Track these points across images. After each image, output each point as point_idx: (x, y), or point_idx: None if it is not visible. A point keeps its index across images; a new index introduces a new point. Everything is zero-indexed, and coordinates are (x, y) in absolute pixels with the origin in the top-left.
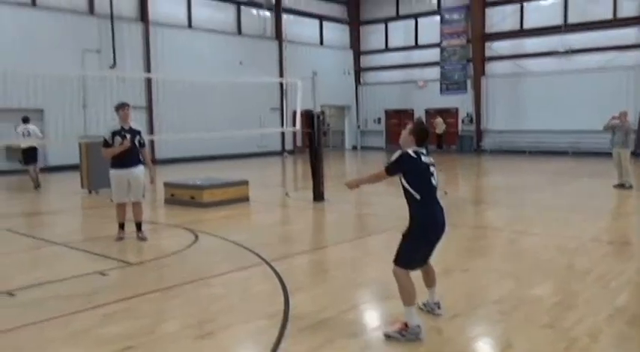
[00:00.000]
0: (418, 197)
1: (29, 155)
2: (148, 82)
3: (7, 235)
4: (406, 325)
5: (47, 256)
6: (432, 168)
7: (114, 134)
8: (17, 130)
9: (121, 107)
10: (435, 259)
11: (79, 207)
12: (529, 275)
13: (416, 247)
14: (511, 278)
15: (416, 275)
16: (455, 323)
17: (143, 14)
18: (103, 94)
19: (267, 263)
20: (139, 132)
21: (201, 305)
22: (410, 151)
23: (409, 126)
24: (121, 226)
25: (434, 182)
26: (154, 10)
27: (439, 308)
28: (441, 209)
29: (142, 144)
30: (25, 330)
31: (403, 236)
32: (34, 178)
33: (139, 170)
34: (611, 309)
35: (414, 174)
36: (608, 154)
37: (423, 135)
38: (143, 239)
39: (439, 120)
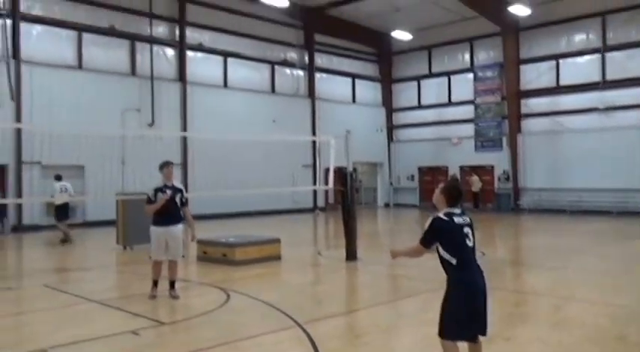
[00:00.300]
0: (454, 262)
1: (63, 211)
2: (184, 139)
3: (44, 291)
4: None
5: (82, 313)
6: (466, 229)
7: (156, 191)
8: (56, 187)
9: (165, 165)
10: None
11: (114, 263)
12: (577, 345)
13: (457, 316)
14: (558, 349)
15: (462, 346)
16: None
17: (181, 75)
18: (141, 151)
19: (300, 325)
20: (180, 191)
21: None
22: (441, 215)
23: (441, 184)
24: (155, 283)
25: (469, 243)
26: (192, 70)
27: None
28: (480, 272)
29: (183, 203)
30: None
31: (442, 305)
32: (66, 233)
33: (178, 229)
34: None
35: (447, 239)
36: None
37: (454, 193)
38: (175, 297)
39: (475, 178)
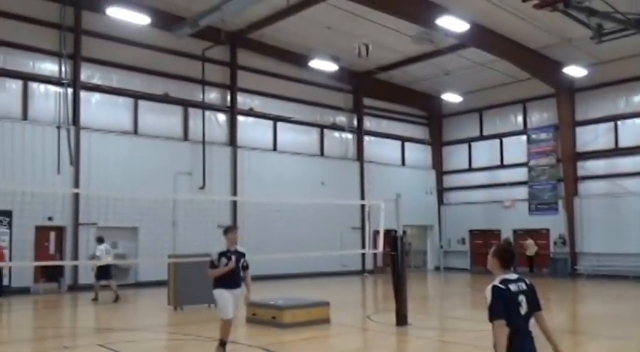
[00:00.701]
0: (506, 332)
1: (107, 271)
2: (234, 201)
3: (98, 351)
4: None
5: None
6: (520, 298)
7: (220, 256)
8: (101, 248)
9: (230, 230)
10: None
11: (166, 323)
12: None
13: None
14: None
15: None
16: None
17: (232, 139)
18: (192, 213)
19: None
20: (243, 255)
21: None
22: (497, 283)
23: (492, 248)
24: (223, 344)
25: (522, 311)
26: (242, 134)
27: None
28: (532, 340)
29: (245, 267)
30: None
31: None
32: (114, 290)
33: (240, 291)
34: None
35: (504, 305)
36: None
37: (506, 256)
38: None
39: (530, 241)
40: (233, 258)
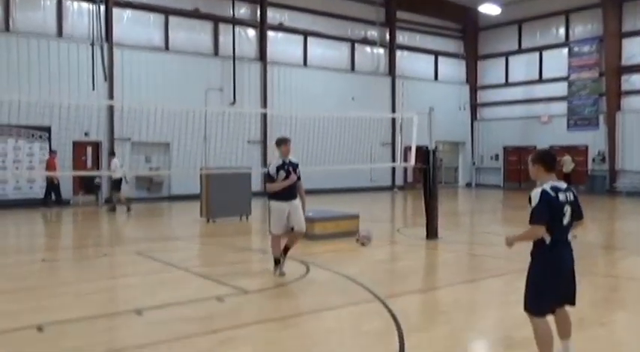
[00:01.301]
0: (548, 240)
1: (118, 184)
2: (264, 117)
3: (136, 258)
4: None
5: (171, 280)
6: (566, 208)
7: (278, 169)
8: (116, 162)
9: (283, 142)
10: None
11: (199, 234)
12: None
13: (542, 291)
14: None
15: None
16: None
17: (262, 54)
18: (223, 128)
19: (380, 300)
20: (297, 165)
21: (315, 339)
22: (548, 188)
23: (530, 156)
24: (277, 262)
25: (565, 222)
26: (272, 50)
27: None
28: (571, 252)
29: (298, 178)
30: (152, 348)
31: (528, 280)
32: (122, 201)
33: (298, 202)
34: None
35: (549, 215)
36: None
37: (547, 158)
38: (282, 274)
39: (567, 158)
40: (291, 169)
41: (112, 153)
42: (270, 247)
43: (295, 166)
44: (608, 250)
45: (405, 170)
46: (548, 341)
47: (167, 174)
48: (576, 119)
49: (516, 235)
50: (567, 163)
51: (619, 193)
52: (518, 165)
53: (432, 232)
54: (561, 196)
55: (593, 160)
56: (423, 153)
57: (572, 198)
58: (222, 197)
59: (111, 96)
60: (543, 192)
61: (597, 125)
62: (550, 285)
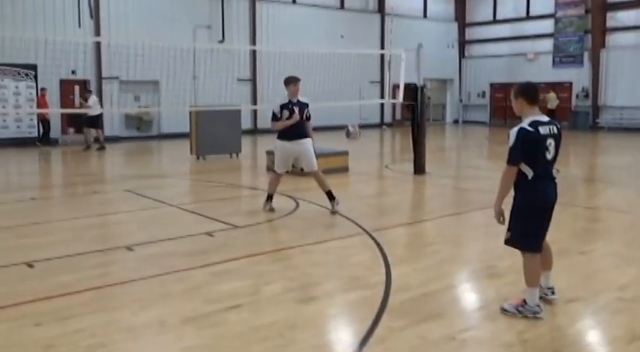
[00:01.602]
0: (530, 174)
1: (96, 121)
2: (253, 56)
3: (126, 195)
4: (524, 301)
5: (161, 216)
6: (549, 141)
7: (282, 108)
8: (95, 99)
9: (292, 81)
10: (549, 237)
11: (189, 171)
12: None
13: (531, 227)
14: (637, 264)
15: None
16: (571, 309)
17: None
18: (212, 66)
19: (368, 233)
20: (306, 105)
21: (303, 271)
22: (526, 125)
23: (512, 90)
24: (270, 198)
25: (548, 156)
26: None
27: (553, 293)
28: (554, 185)
29: (308, 118)
30: (144, 283)
31: (511, 215)
32: (88, 140)
33: (307, 141)
34: None
35: (529, 151)
36: None
37: (530, 91)
38: (337, 211)
39: (552, 94)
40: (296, 109)
41: (89, 90)
42: (268, 183)
43: (303, 106)
44: (589, 183)
45: (394, 107)
46: (537, 274)
47: (157, 113)
48: (562, 56)
49: (496, 199)
50: (552, 100)
51: (601, 129)
52: (505, 102)
53: (419, 168)
54: (543, 130)
55: (577, 97)
56: (411, 90)
57: (555, 131)
58: (211, 134)
59: (97, 33)
60: (520, 130)
61: (582, 62)
62: (537, 220)
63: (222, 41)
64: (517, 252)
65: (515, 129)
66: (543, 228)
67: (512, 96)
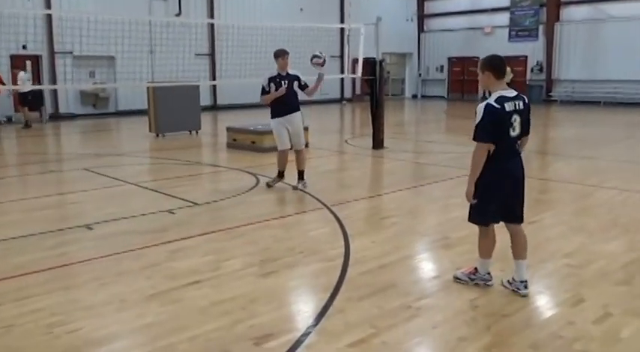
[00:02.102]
0: (491, 150)
1: (26, 98)
2: (211, 30)
3: (84, 174)
4: (476, 269)
5: (120, 194)
6: (514, 117)
7: (270, 81)
8: (25, 76)
9: (280, 55)
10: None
11: (148, 149)
12: (603, 230)
13: (486, 201)
14: (583, 233)
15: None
16: None
17: None
18: (169, 41)
19: (327, 207)
20: (296, 77)
21: (263, 245)
22: (492, 101)
23: (479, 63)
24: (280, 174)
25: (512, 133)
26: None
27: (525, 288)
28: (520, 162)
29: (303, 86)
30: (103, 262)
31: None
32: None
33: (297, 116)
34: None
35: (494, 128)
36: None
37: (496, 62)
38: (302, 189)
39: (507, 69)
40: (283, 82)
41: (17, 67)
42: (278, 161)
43: (292, 78)
44: (541, 155)
45: (354, 82)
46: (489, 247)
47: (113, 89)
48: (517, 30)
49: (469, 179)
50: (507, 74)
51: (554, 102)
52: (462, 76)
53: (378, 142)
54: (508, 106)
55: (532, 70)
56: (370, 64)
57: (521, 106)
58: (170, 111)
59: (48, 6)
60: (487, 107)
61: (537, 36)
62: (495, 196)
63: (178, 14)
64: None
65: (482, 106)
66: (502, 206)
67: (478, 69)
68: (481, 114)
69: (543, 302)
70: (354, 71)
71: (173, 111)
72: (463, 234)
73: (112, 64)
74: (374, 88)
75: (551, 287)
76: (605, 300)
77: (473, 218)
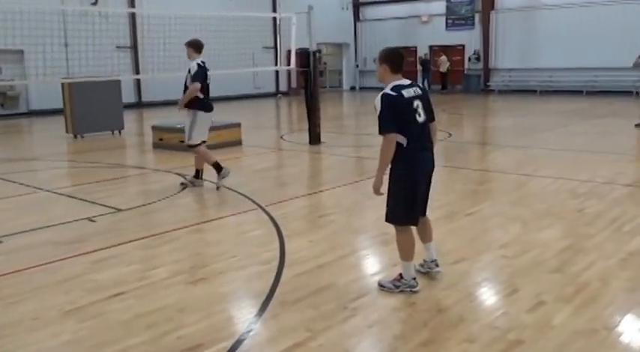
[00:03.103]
0: (405, 142)
1: None
2: (133, 20)
3: None
4: (401, 276)
5: (35, 202)
6: (415, 103)
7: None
8: None
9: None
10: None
11: (66, 152)
12: (537, 219)
13: (404, 201)
14: (518, 223)
15: None
16: (458, 269)
17: None
18: (86, 33)
19: (262, 208)
20: (188, 71)
21: (193, 251)
22: (388, 90)
23: (378, 55)
24: (219, 167)
25: (419, 119)
26: None
27: (437, 266)
28: (430, 153)
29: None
30: (15, 277)
31: (388, 190)
32: None
33: (184, 113)
34: (624, 253)
35: (397, 117)
36: (627, 93)
37: (394, 57)
38: (186, 183)
39: (443, 58)
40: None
41: None
42: (202, 157)
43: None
44: (478, 145)
45: (289, 75)
46: (409, 249)
47: (23, 87)
48: (454, 18)
49: (377, 172)
50: (443, 63)
51: (492, 91)
52: None
53: (314, 138)
54: (406, 93)
55: (469, 60)
56: (305, 56)
57: (419, 92)
58: (89, 110)
59: None
60: (384, 96)
61: (473, 24)
62: (414, 192)
63: (95, 3)
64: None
65: (379, 97)
66: (421, 200)
67: (376, 61)
68: (380, 105)
69: (479, 295)
70: (288, 63)
71: (92, 109)
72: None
73: (21, 58)
74: (308, 81)
75: (487, 279)
76: (538, 289)
77: (392, 220)
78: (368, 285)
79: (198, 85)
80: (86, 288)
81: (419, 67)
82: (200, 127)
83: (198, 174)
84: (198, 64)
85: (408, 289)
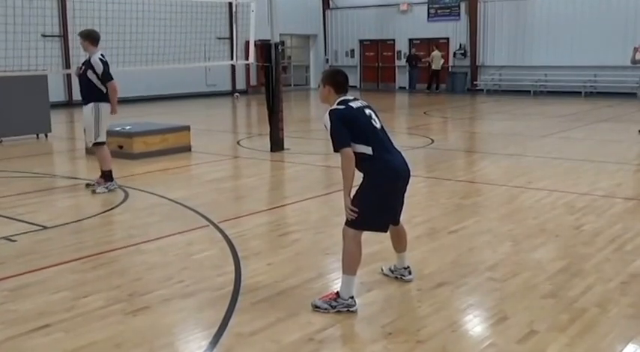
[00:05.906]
0: (370, 151)
1: None
2: (62, 4)
3: None
4: (337, 295)
5: None
6: (367, 111)
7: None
8: None
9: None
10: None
11: None
12: (530, 237)
13: (377, 205)
14: (509, 241)
15: (385, 236)
16: (440, 294)
17: None
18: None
19: (214, 224)
20: (91, 66)
21: (133, 276)
22: (335, 106)
23: (321, 76)
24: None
25: (377, 124)
26: None
27: (409, 273)
28: (399, 155)
29: (98, 78)
30: None
31: (354, 196)
32: None
33: (87, 108)
34: (625, 276)
35: (354, 129)
36: (630, 95)
37: (340, 78)
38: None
39: (437, 53)
40: (82, 67)
41: None
42: (104, 159)
43: (88, 66)
44: (464, 153)
45: (248, 71)
46: (356, 259)
47: None
48: (437, 8)
49: (344, 192)
50: (437, 59)
51: (480, 91)
52: (376, 62)
53: (276, 143)
54: (354, 104)
55: (454, 55)
56: (266, 48)
57: (366, 103)
58: (8, 110)
59: None
60: (332, 112)
61: (458, 15)
62: (388, 196)
63: None
64: (384, 236)
65: (326, 115)
66: (393, 207)
67: (320, 81)
68: (329, 122)
69: (463, 324)
70: (246, 57)
71: (12, 109)
72: (373, 250)
73: None
74: (270, 78)
75: (472, 305)
76: (530, 316)
77: (353, 223)
78: (337, 314)
79: (116, 84)
80: (4, 321)
81: (403, 63)
82: (105, 122)
83: (110, 175)
84: (102, 60)
85: (345, 309)
